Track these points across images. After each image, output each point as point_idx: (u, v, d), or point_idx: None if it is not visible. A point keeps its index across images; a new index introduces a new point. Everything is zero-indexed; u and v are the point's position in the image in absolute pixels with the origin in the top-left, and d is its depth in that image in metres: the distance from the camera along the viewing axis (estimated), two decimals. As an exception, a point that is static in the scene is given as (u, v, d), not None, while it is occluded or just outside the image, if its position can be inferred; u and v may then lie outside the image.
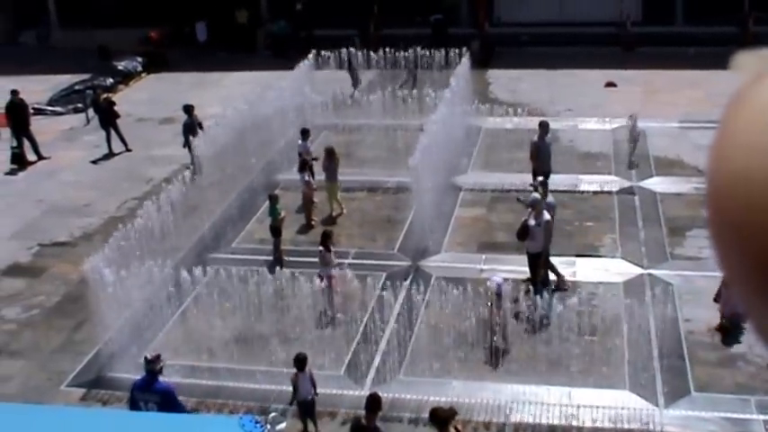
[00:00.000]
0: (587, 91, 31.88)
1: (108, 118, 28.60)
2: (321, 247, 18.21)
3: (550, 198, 18.82)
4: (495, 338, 16.68)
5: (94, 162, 27.97)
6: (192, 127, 25.58)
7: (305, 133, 23.86)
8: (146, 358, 13.77)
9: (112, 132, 28.59)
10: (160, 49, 38.93)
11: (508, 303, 16.49)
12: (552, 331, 16.90)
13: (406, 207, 22.35)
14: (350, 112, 29.05)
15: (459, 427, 13.27)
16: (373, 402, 13.25)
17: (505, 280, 16.88)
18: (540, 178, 19.36)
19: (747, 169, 0.97)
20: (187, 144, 25.16)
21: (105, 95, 29.79)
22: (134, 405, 13.55)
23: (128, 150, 28.48)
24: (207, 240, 21.77)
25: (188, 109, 26.27)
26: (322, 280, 17.59)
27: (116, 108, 29.04)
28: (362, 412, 14.11)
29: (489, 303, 16.38)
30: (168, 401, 13.30)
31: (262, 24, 41.50)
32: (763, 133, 0.97)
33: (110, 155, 28.32)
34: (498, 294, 16.30)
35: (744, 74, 1.07)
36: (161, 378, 13.69)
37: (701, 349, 16.70)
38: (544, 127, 22.69)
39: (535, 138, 22.80)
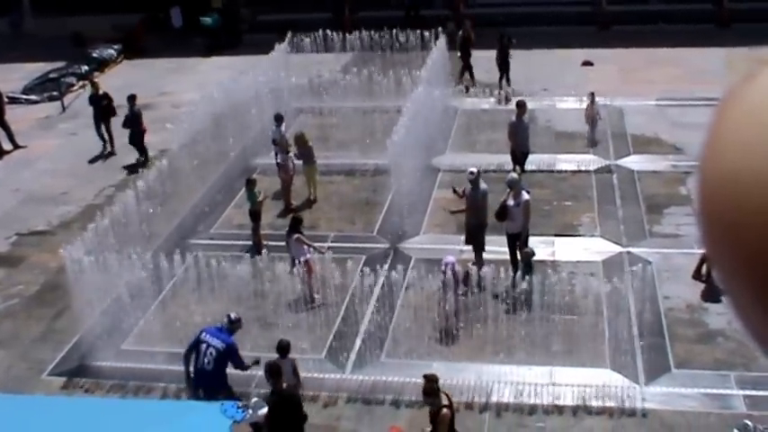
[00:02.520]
0: (564, 70, 31.90)
1: (106, 113, 27.33)
2: (297, 235, 18.18)
3: (483, 185, 18.70)
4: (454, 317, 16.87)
5: (86, 151, 27.77)
6: (132, 119, 25.67)
7: (279, 119, 23.48)
8: (229, 317, 14.49)
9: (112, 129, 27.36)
10: (137, 36, 38.69)
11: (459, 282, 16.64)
12: (532, 311, 16.95)
13: (384, 189, 22.34)
14: (326, 94, 28.96)
15: (454, 393, 13.40)
16: (270, 370, 13.46)
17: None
18: (474, 169, 19.09)
19: (738, 169, 0.97)
20: (132, 138, 25.69)
21: (103, 91, 28.13)
22: (195, 346, 14.20)
23: (111, 153, 27.27)
24: (185, 227, 21.71)
25: (130, 99, 26.09)
26: (295, 265, 17.57)
27: (114, 105, 27.61)
28: (343, 395, 14.23)
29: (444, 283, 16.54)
30: (230, 353, 14.10)
31: (238, 9, 41.26)
32: (754, 133, 0.97)
33: (110, 153, 27.30)
34: (453, 273, 16.44)
35: (735, 73, 1.06)
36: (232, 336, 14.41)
37: (680, 326, 16.80)
38: (521, 107, 22.72)
39: (513, 117, 22.84)
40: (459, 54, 30.76)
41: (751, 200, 0.95)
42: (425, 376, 13.17)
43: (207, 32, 38.69)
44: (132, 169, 25.40)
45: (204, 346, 14.06)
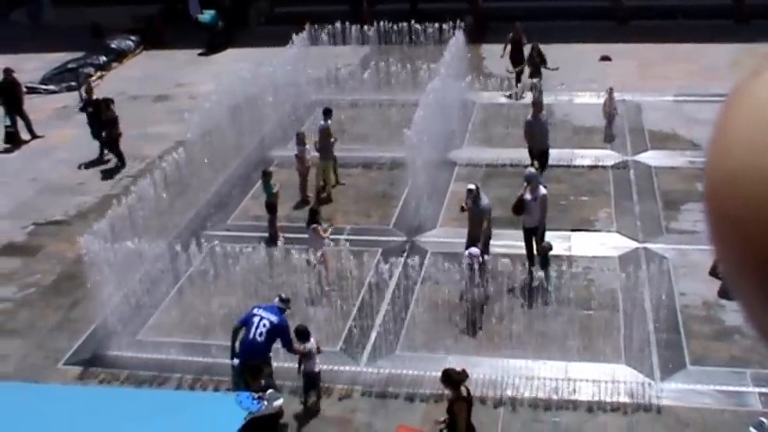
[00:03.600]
0: (582, 65, 31.78)
1: (95, 119, 26.07)
2: (314, 225, 18.24)
3: (485, 201, 18.21)
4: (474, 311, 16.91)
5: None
6: (107, 123, 25.29)
7: (327, 113, 23.06)
8: (280, 296, 15.05)
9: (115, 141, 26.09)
10: (158, 28, 38.68)
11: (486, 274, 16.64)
12: (548, 306, 16.95)
13: (400, 183, 22.32)
14: (344, 87, 28.97)
15: (471, 388, 13.46)
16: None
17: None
18: (472, 186, 18.72)
19: (745, 166, 0.97)
20: (107, 145, 25.32)
21: (96, 98, 27.00)
22: (247, 319, 14.52)
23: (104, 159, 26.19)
24: (202, 218, 21.76)
25: (106, 103, 25.77)
26: (316, 258, 17.63)
27: (112, 109, 25.92)
28: (358, 388, 14.32)
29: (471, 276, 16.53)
30: (284, 329, 14.48)
31: (254, 1, 41.24)
32: (761, 130, 0.97)
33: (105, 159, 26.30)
34: (472, 266, 16.42)
35: (741, 70, 1.06)
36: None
37: (696, 323, 16.75)
38: (537, 105, 22.49)
39: (529, 116, 22.57)
40: (509, 58, 29.41)
41: (757, 196, 0.95)
42: (464, 370, 13.28)
43: (205, 29, 37.87)
44: (111, 174, 25.36)
45: (257, 319, 14.31)
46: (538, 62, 28.26)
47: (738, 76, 1.07)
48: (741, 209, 0.97)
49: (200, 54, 36.90)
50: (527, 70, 28.50)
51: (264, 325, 14.21)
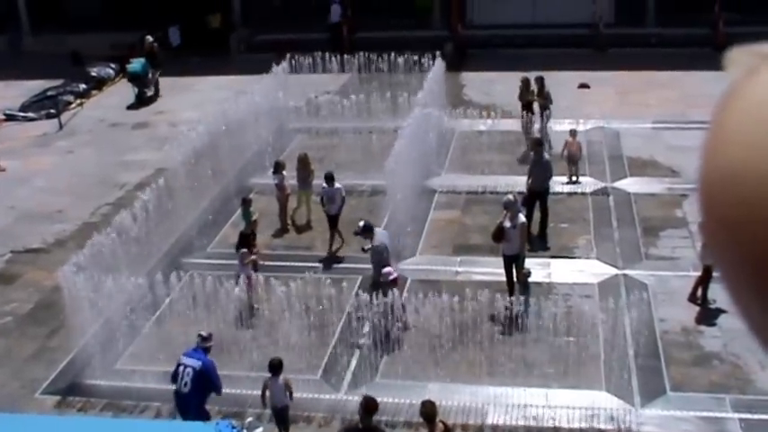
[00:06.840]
0: (561, 92, 31.82)
1: None
2: (243, 249, 18.64)
3: (378, 240, 18.25)
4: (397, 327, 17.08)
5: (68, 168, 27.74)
6: None
7: (331, 179, 21.45)
8: (200, 335, 14.49)
9: None
10: (136, 55, 38.57)
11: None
12: (528, 333, 16.94)
13: (380, 210, 22.30)
14: (324, 115, 29.01)
15: (448, 422, 13.40)
16: (368, 405, 13.27)
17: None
18: (361, 223, 18.91)
19: (739, 165, 0.97)
20: None
21: None
22: (175, 370, 14.19)
23: None
24: (181, 245, 21.67)
25: None
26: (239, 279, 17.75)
27: None
28: (338, 416, 14.20)
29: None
30: (207, 371, 14.00)
31: (235, 29, 41.31)
32: (756, 130, 0.97)
33: None
34: (390, 282, 16.93)
35: (736, 70, 1.06)
36: (207, 355, 14.33)
37: (676, 349, 16.78)
38: (535, 144, 22.01)
39: (531, 155, 21.91)
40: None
41: (754, 197, 0.95)
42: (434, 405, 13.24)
43: (133, 80, 34.65)
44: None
45: (182, 368, 13.99)
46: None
47: (732, 76, 1.07)
48: (734, 208, 0.97)
49: (128, 108, 33.94)
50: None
51: (188, 374, 13.88)
